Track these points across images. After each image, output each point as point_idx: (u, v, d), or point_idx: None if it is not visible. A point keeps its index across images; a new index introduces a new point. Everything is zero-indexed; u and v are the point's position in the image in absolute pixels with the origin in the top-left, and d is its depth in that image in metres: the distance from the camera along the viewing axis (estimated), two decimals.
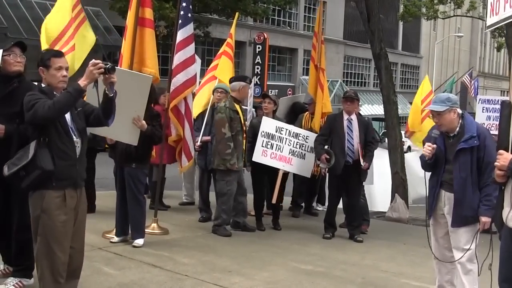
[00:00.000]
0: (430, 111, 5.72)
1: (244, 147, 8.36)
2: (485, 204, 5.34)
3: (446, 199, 5.59)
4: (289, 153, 8.88)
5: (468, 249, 5.39)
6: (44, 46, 7.29)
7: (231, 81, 8.69)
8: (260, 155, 8.59)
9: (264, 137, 8.61)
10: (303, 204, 10.85)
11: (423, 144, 5.81)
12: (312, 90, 10.29)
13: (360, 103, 9.50)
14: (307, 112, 10.29)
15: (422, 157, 5.70)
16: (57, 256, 4.41)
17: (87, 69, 4.35)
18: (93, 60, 4.42)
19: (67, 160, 4.43)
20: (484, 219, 5.31)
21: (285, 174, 9.37)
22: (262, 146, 8.60)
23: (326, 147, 8.69)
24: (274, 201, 8.96)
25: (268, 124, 8.71)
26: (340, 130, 8.58)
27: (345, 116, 8.66)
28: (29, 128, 4.44)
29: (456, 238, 5.51)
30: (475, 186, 5.42)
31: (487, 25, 5.58)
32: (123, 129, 6.64)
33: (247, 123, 9.28)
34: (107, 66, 4.36)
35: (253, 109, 11.76)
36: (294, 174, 9.67)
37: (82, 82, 4.32)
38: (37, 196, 4.41)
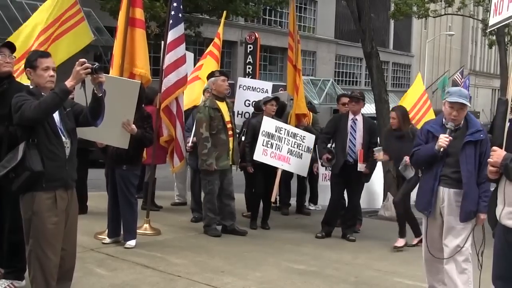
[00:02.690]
0: (449, 103, 5.41)
1: (231, 145, 8.28)
2: (484, 201, 5.30)
3: (445, 195, 5.47)
4: (288, 152, 8.94)
5: (463, 247, 5.35)
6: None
7: None
8: (261, 154, 8.64)
9: (265, 137, 8.66)
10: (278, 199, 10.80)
11: None
12: (292, 90, 10.26)
13: None
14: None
15: (427, 150, 5.50)
16: (48, 258, 4.40)
17: (74, 69, 4.32)
18: (80, 60, 4.38)
19: (57, 161, 4.40)
20: (483, 216, 5.28)
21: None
22: (263, 145, 8.64)
23: (329, 145, 8.74)
24: (273, 199, 9.10)
25: (268, 124, 8.76)
26: (344, 129, 8.60)
27: (350, 116, 8.69)
28: (18, 130, 4.41)
29: (454, 234, 5.42)
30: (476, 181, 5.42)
31: (489, 24, 5.58)
32: (113, 133, 6.64)
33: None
34: (94, 66, 4.31)
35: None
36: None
37: (69, 82, 4.29)
38: (27, 198, 4.39)
